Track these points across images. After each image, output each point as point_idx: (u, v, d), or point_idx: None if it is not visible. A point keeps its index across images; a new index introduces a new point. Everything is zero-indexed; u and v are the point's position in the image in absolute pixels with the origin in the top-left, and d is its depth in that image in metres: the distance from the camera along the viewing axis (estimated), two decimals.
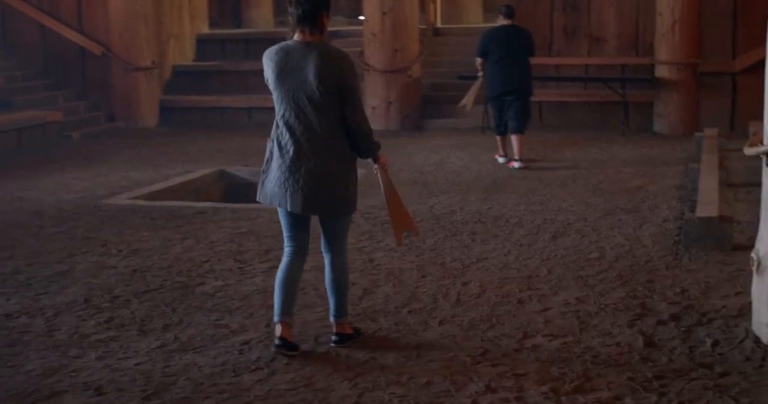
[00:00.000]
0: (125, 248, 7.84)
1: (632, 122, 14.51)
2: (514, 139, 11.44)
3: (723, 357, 5.23)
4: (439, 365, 5.15)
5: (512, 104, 11.45)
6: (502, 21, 11.62)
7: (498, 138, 11.87)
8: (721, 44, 14.24)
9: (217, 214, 9.13)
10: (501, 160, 11.76)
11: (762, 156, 5.44)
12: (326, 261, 5.42)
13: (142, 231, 8.40)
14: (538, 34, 14.72)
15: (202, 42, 18.43)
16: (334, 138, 5.14)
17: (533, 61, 11.81)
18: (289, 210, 5.18)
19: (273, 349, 5.27)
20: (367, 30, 15.45)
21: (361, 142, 5.22)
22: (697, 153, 11.76)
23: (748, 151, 5.50)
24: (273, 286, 5.47)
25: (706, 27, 14.22)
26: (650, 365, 5.12)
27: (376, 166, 5.43)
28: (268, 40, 17.62)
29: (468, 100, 12.17)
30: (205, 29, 18.83)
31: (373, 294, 6.47)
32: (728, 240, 7.37)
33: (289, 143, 5.11)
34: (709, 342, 5.44)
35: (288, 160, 5.12)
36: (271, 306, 5.49)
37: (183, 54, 18.06)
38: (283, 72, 5.09)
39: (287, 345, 5.23)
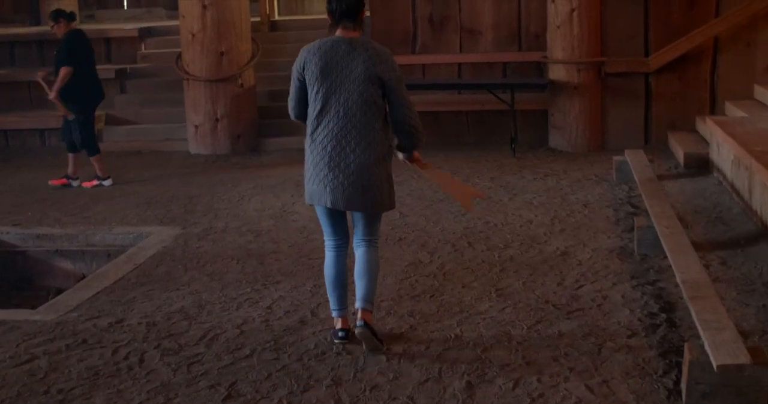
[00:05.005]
0: None
1: (522, 135, 11.52)
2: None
3: None
4: None
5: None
6: None
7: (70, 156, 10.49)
8: (630, 38, 11.36)
9: None
10: (75, 183, 10.47)
11: None
12: (358, 252, 5.40)
13: None
14: (398, 26, 11.73)
15: None
16: (375, 133, 5.16)
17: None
18: (329, 206, 5.21)
19: (336, 341, 5.37)
20: (185, 29, 12.11)
21: (409, 138, 5.29)
22: (628, 191, 8.86)
23: None
24: None
25: (612, 17, 11.34)
26: None
27: (403, 158, 5.49)
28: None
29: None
30: None
31: None
32: (765, 392, 4.38)
33: (328, 139, 5.14)
34: None
35: (327, 156, 5.14)
36: None
37: None
38: (327, 67, 5.11)
39: (349, 336, 5.34)
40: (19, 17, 17.51)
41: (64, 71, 10.06)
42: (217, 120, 12.00)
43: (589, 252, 7.16)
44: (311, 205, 5.38)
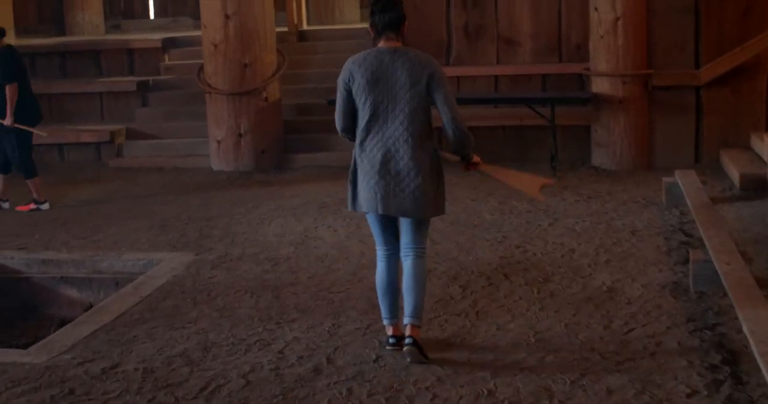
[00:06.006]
0: None
1: (563, 152, 10.82)
2: None
3: None
4: None
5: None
6: None
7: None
8: (680, 49, 10.62)
9: None
10: (5, 205, 9.93)
11: None
12: (406, 264, 5.41)
13: None
14: (431, 36, 11.08)
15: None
16: (423, 140, 5.24)
17: None
18: (381, 213, 5.28)
19: (387, 347, 5.40)
20: (207, 40, 11.51)
21: (460, 140, 5.33)
22: (680, 216, 8.16)
23: None
24: None
25: (659, 26, 10.62)
26: None
27: (464, 163, 5.54)
28: (91, 53, 13.96)
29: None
30: (9, 40, 14.54)
31: None
32: None
33: (377, 147, 5.24)
34: None
35: (378, 164, 5.23)
36: None
37: None
38: (373, 77, 5.22)
39: (399, 342, 5.34)
40: (44, 28, 17.01)
41: (11, 89, 9.48)
42: (240, 135, 11.39)
43: (639, 288, 6.46)
44: (362, 212, 5.44)
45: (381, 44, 5.32)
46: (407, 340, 5.30)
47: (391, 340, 5.45)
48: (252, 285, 6.89)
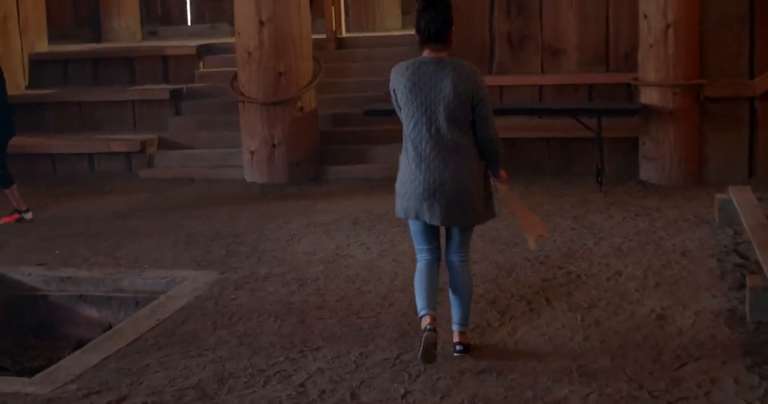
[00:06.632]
0: None
1: (609, 166, 10.32)
2: None
3: None
4: None
5: None
6: None
7: None
8: (733, 58, 10.10)
9: None
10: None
11: None
12: (451, 271, 5.48)
13: None
14: (474, 44, 10.67)
15: (39, 64, 13.95)
16: (467, 149, 5.27)
17: None
18: (428, 222, 5.31)
19: (425, 333, 5.17)
20: (241, 47, 11.13)
21: (492, 155, 5.37)
22: (734, 236, 7.67)
23: None
24: None
25: (712, 34, 10.09)
26: None
27: (493, 179, 5.45)
28: (125, 60, 13.64)
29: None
30: (43, 46, 14.34)
31: None
32: None
33: (422, 156, 5.25)
34: None
35: (422, 173, 5.25)
36: None
37: (10, 80, 13.40)
38: (416, 86, 5.22)
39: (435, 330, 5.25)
40: (80, 33, 16.74)
41: None
42: (274, 146, 11.00)
43: (691, 316, 5.98)
44: (406, 219, 5.48)
45: (426, 53, 5.32)
46: (457, 347, 5.46)
47: (429, 327, 5.26)
48: (276, 309, 6.49)
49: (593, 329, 5.83)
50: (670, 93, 10.03)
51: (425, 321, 5.28)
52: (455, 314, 5.49)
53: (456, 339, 5.47)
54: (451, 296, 5.49)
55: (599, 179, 9.94)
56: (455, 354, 5.38)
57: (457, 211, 5.28)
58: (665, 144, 10.09)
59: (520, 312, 6.20)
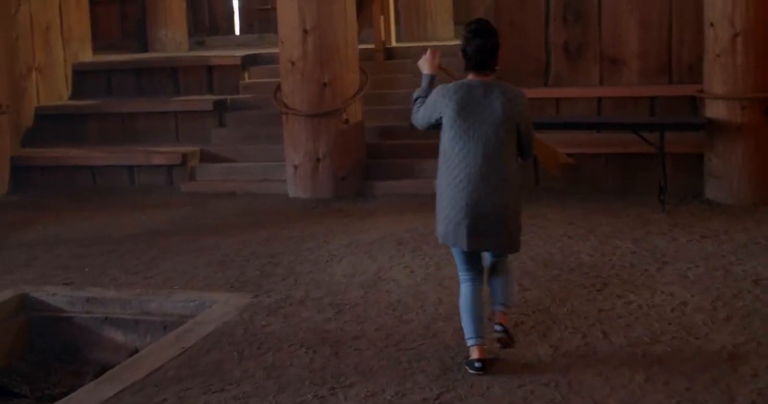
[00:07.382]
0: None
1: (672, 184, 9.71)
2: None
3: None
4: None
5: None
6: None
7: None
8: None
9: None
10: None
11: None
12: (491, 269, 5.53)
13: None
14: (529, 55, 10.17)
15: (82, 74, 13.63)
16: (510, 174, 5.29)
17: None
18: (466, 249, 5.28)
19: (472, 371, 5.15)
20: (284, 57, 10.68)
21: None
22: None
23: None
24: None
25: None
26: None
27: None
28: (169, 70, 13.23)
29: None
30: (87, 56, 14.01)
31: None
32: None
33: (465, 182, 5.23)
34: None
35: (464, 199, 5.23)
36: None
37: (53, 91, 13.32)
38: (465, 110, 5.25)
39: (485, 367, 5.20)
40: (127, 44, 16.44)
41: None
42: (318, 160, 10.52)
43: (767, 355, 5.37)
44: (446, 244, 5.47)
45: (472, 76, 5.38)
46: (497, 327, 5.48)
47: (477, 364, 5.21)
48: (309, 338, 5.99)
49: (656, 368, 5.26)
50: (738, 106, 9.40)
51: (474, 353, 5.23)
52: (497, 295, 5.53)
53: (497, 319, 5.51)
54: (491, 282, 5.53)
55: (661, 198, 9.33)
56: (494, 334, 5.43)
57: (494, 238, 5.31)
58: (733, 161, 9.46)
59: (574, 347, 5.64)
